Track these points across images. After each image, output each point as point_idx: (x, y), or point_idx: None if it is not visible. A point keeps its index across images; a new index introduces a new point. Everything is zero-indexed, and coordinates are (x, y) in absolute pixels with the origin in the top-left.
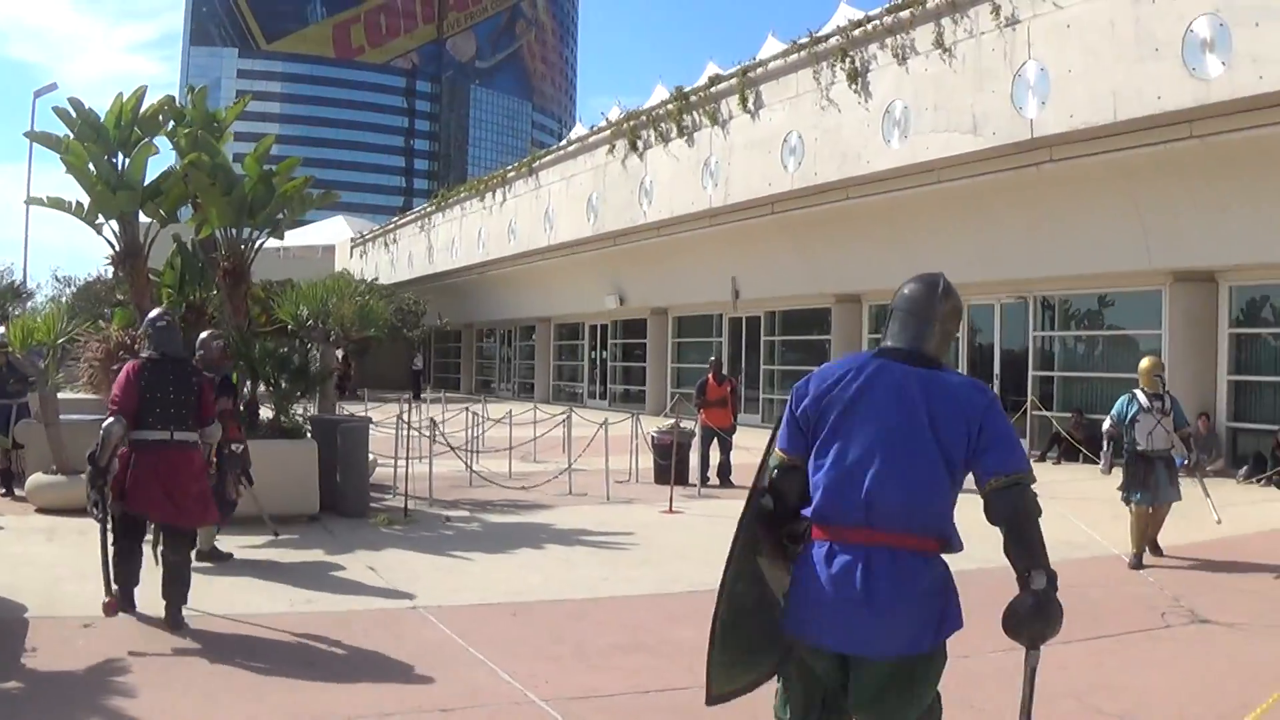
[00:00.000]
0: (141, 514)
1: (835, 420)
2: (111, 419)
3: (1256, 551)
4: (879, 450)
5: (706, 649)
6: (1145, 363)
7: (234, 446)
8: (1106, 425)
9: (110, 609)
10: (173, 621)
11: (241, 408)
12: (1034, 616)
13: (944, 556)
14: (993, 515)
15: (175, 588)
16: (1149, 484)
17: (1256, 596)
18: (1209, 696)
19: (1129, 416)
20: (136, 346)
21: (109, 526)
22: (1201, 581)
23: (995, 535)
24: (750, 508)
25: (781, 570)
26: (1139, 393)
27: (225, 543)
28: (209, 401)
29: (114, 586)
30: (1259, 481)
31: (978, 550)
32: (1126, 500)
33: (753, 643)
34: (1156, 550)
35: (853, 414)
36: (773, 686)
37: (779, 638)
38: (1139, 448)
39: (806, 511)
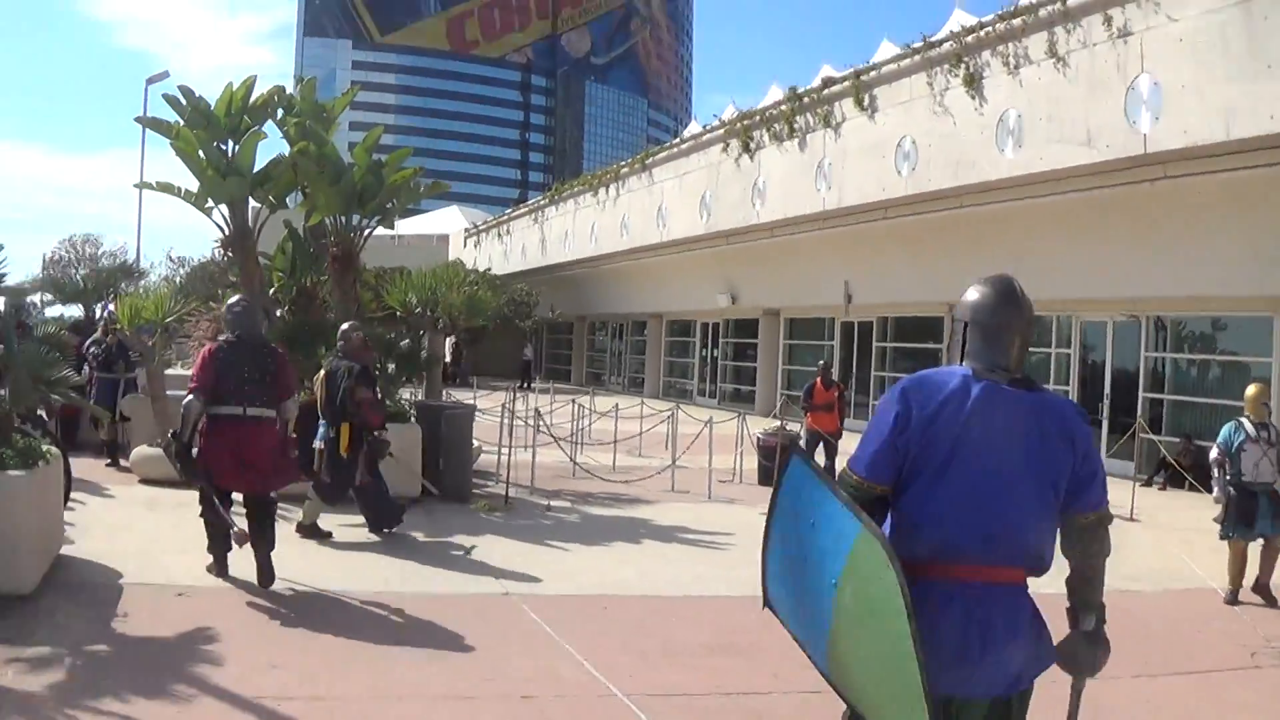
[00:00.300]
0: (219, 484)
1: (949, 450)
2: (190, 396)
3: None
4: (996, 482)
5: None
6: (1252, 389)
7: (377, 434)
8: (1214, 454)
9: (240, 538)
10: (264, 577)
11: (381, 396)
12: (1091, 652)
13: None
14: (1075, 549)
15: (261, 547)
16: (1249, 518)
17: None
18: None
19: (1235, 445)
20: (218, 331)
21: (203, 489)
22: None
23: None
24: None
25: None
26: (1245, 420)
27: (324, 522)
28: (286, 379)
29: (234, 524)
30: None
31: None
32: (1224, 536)
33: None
34: (1269, 597)
35: (966, 443)
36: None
37: None
38: (1243, 479)
39: (912, 546)
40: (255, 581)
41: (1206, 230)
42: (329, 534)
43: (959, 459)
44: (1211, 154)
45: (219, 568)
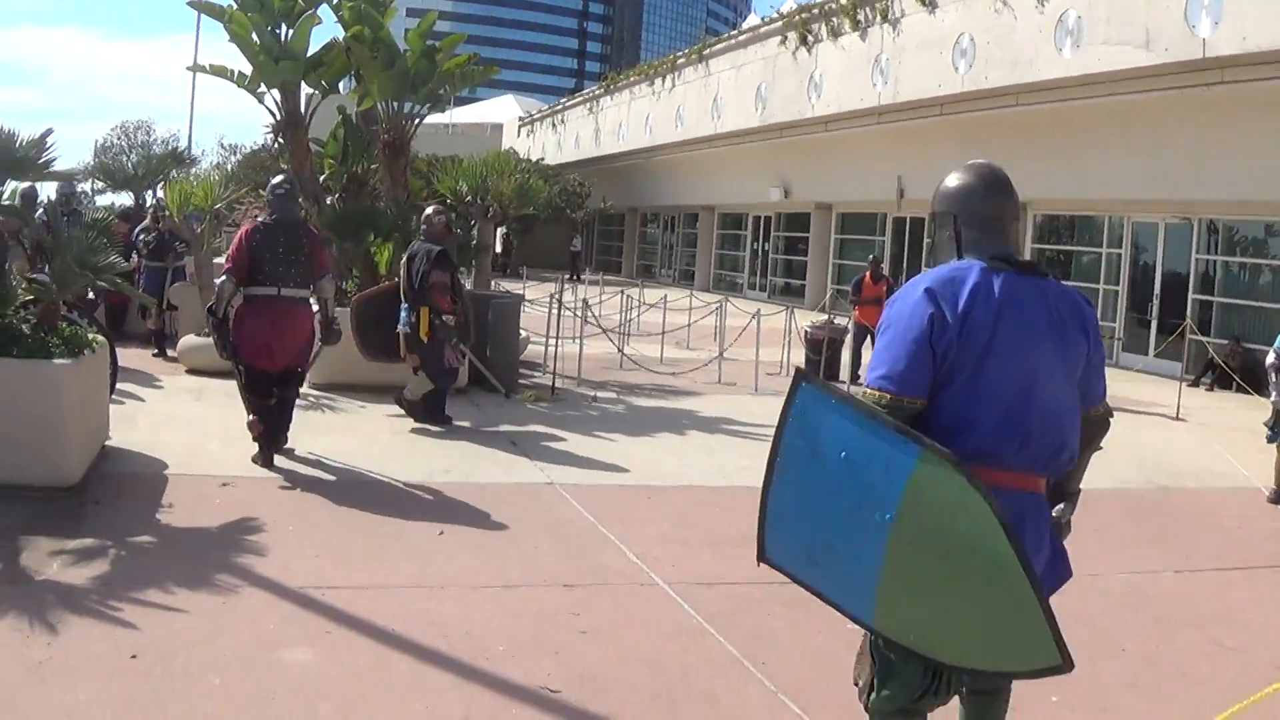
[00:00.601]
0: (249, 362)
1: (983, 347)
2: (224, 277)
3: None
4: (1031, 379)
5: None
6: None
7: (445, 318)
8: (1271, 358)
9: (254, 426)
10: (266, 458)
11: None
12: (1061, 534)
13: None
14: (1083, 442)
15: (276, 429)
16: None
17: None
18: None
19: None
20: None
21: (238, 366)
22: None
23: (1133, 455)
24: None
25: None
26: None
27: (370, 411)
28: (321, 259)
29: (252, 412)
30: None
31: (1121, 470)
32: (1271, 439)
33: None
34: None
35: (999, 338)
36: None
37: None
38: None
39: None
40: (291, 469)
41: (1262, 136)
42: (448, 420)
43: (993, 357)
44: (1269, 60)
45: (263, 457)
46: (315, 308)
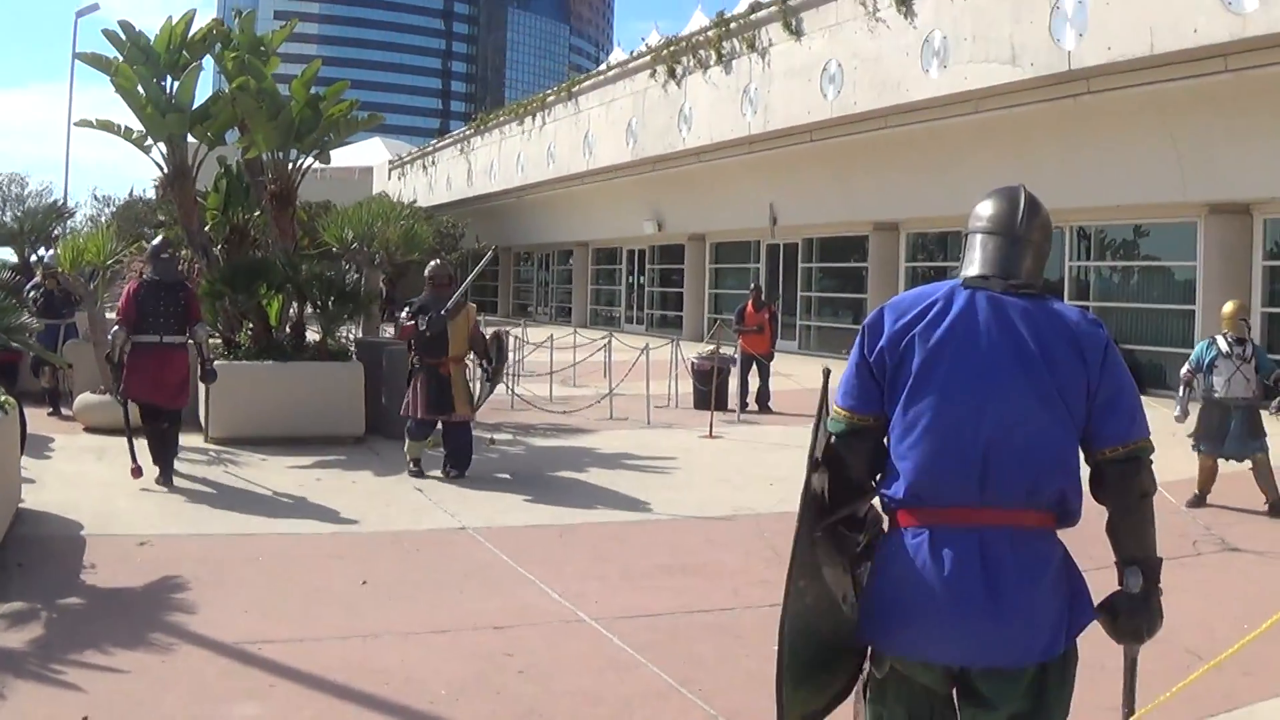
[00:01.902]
0: (135, 398)
1: (922, 368)
2: (117, 327)
3: None
4: (989, 404)
5: (776, 675)
6: (1229, 306)
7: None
8: (1184, 370)
9: (136, 474)
10: (164, 479)
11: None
12: (1133, 617)
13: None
14: (1105, 491)
15: (165, 453)
16: (1218, 435)
17: None
18: (1238, 620)
19: (1207, 362)
20: (141, 268)
21: (127, 408)
22: (1232, 512)
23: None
24: (806, 488)
25: (838, 568)
26: (1220, 337)
27: (272, 464)
28: (195, 311)
29: (136, 457)
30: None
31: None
32: (1195, 448)
33: (826, 655)
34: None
35: (944, 359)
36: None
37: (853, 646)
38: (1215, 395)
39: (891, 491)
40: (207, 525)
41: (1129, 142)
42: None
43: (937, 375)
44: (1134, 68)
45: (164, 478)
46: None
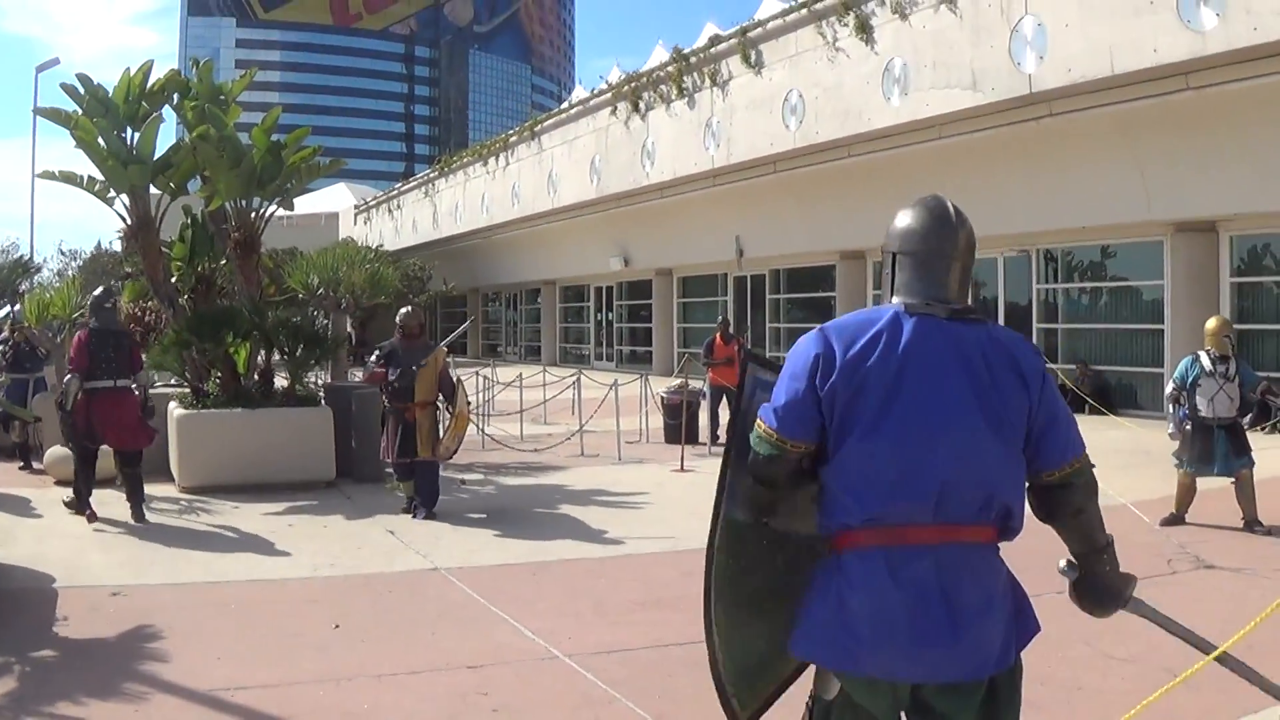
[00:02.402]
0: (99, 440)
1: (882, 397)
2: (70, 375)
3: (1260, 498)
4: (946, 435)
5: (713, 678)
6: (1212, 323)
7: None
8: (1169, 389)
9: (92, 518)
10: (136, 516)
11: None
12: (1114, 587)
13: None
14: (1051, 510)
15: (135, 493)
16: (1205, 455)
17: (1260, 542)
18: (1216, 637)
19: (1190, 380)
20: (84, 319)
21: (81, 448)
22: (1206, 529)
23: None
24: (720, 512)
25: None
26: (1203, 355)
27: (244, 511)
28: (137, 356)
29: (90, 503)
30: (1262, 429)
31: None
32: (1177, 466)
33: (761, 641)
34: (1259, 528)
35: (902, 388)
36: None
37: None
38: (1200, 414)
39: (840, 517)
40: (177, 574)
41: (1093, 163)
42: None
43: (897, 406)
44: (1096, 89)
45: (79, 504)
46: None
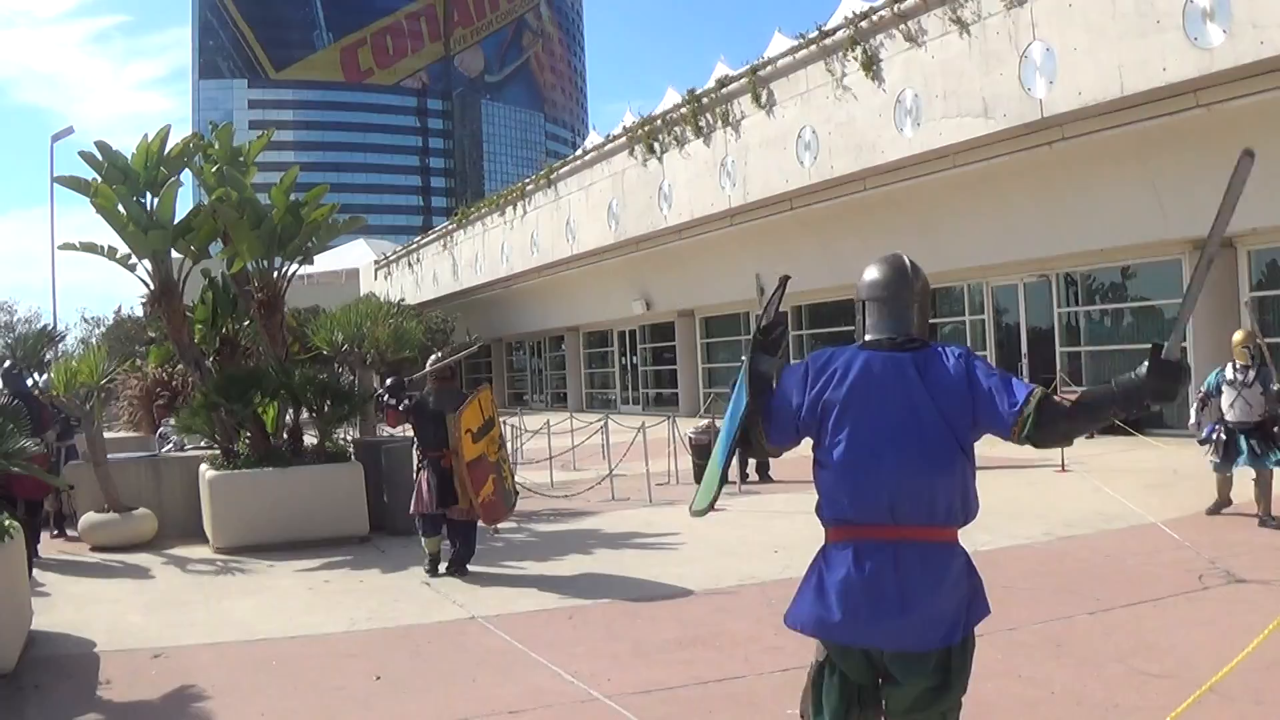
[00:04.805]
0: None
1: (835, 421)
2: None
3: None
4: (891, 444)
5: (713, 474)
6: (1237, 335)
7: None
8: (1198, 394)
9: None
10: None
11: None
12: (1165, 375)
13: (966, 536)
14: (1052, 438)
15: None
16: (1232, 455)
17: None
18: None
19: (1214, 386)
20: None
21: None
22: (1236, 543)
23: (1028, 511)
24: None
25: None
26: (1229, 365)
27: (279, 569)
28: (45, 418)
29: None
30: None
31: (1018, 528)
32: (1214, 468)
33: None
34: (1275, 524)
35: (852, 412)
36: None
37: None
38: (1225, 419)
39: (824, 514)
40: (216, 634)
41: (1107, 184)
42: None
43: (850, 428)
44: (1107, 111)
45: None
46: None
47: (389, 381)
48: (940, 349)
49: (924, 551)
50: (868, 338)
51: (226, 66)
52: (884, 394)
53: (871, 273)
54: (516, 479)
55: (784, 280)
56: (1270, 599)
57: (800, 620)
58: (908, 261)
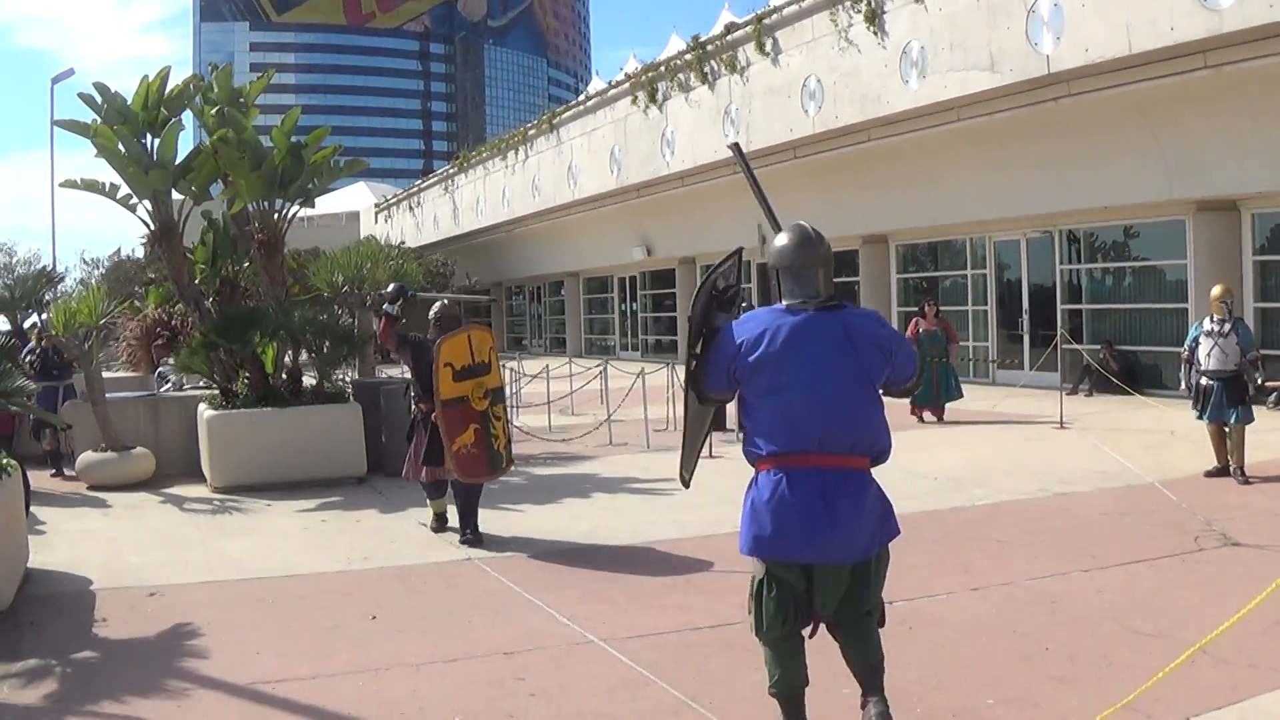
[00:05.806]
0: None
1: (770, 375)
2: None
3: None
4: (819, 388)
5: (686, 448)
6: (1215, 290)
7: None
8: (1184, 351)
9: None
10: None
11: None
12: None
13: (963, 490)
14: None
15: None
16: (1205, 403)
17: None
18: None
19: (1193, 338)
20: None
21: None
22: (1233, 505)
23: (1024, 467)
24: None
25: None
26: (1207, 319)
27: (277, 508)
28: None
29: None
30: (1267, 405)
31: (1015, 484)
32: (1199, 417)
33: (701, 430)
34: (1243, 479)
35: (784, 365)
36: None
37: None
38: (1199, 367)
39: (755, 448)
40: (212, 572)
41: (1112, 143)
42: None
43: (784, 378)
44: (1114, 69)
45: None
46: None
47: (390, 287)
48: (857, 312)
49: (845, 477)
50: (786, 302)
51: (228, 8)
52: (817, 347)
53: (781, 241)
54: (515, 422)
55: (739, 252)
56: (1264, 563)
57: (745, 545)
58: (811, 231)
